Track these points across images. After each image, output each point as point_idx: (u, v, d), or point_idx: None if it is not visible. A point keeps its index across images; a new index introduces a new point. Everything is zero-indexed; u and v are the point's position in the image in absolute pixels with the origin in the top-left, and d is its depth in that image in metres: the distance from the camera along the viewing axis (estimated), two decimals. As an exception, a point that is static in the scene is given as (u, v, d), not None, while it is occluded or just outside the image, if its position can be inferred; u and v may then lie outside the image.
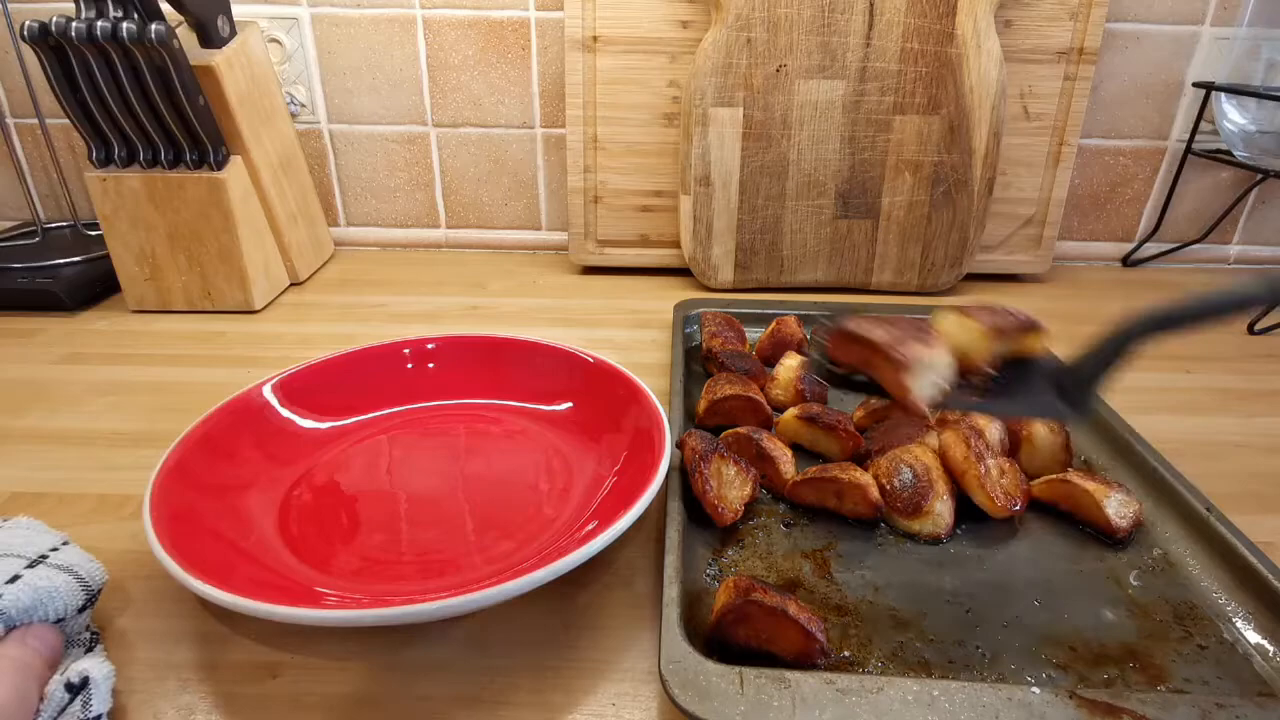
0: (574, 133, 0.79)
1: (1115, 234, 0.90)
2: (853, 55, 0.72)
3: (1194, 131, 0.83)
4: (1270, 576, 0.37)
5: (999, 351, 0.38)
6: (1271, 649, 0.35)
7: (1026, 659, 0.35)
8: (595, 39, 0.76)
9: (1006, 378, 0.39)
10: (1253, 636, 0.36)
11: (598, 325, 0.72)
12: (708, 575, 0.40)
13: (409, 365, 0.56)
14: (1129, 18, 0.80)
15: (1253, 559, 0.38)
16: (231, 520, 0.41)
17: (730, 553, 0.41)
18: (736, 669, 0.31)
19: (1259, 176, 0.79)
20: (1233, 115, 0.80)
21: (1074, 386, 0.36)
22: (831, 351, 0.40)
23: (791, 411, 0.51)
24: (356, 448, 0.49)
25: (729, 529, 0.43)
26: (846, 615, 0.38)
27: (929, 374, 0.36)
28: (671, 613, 0.34)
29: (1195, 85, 0.82)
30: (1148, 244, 0.89)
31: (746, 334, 0.65)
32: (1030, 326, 0.38)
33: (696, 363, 0.61)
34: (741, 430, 0.48)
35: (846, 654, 0.35)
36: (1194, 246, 0.89)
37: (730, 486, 0.43)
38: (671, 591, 0.35)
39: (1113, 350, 0.34)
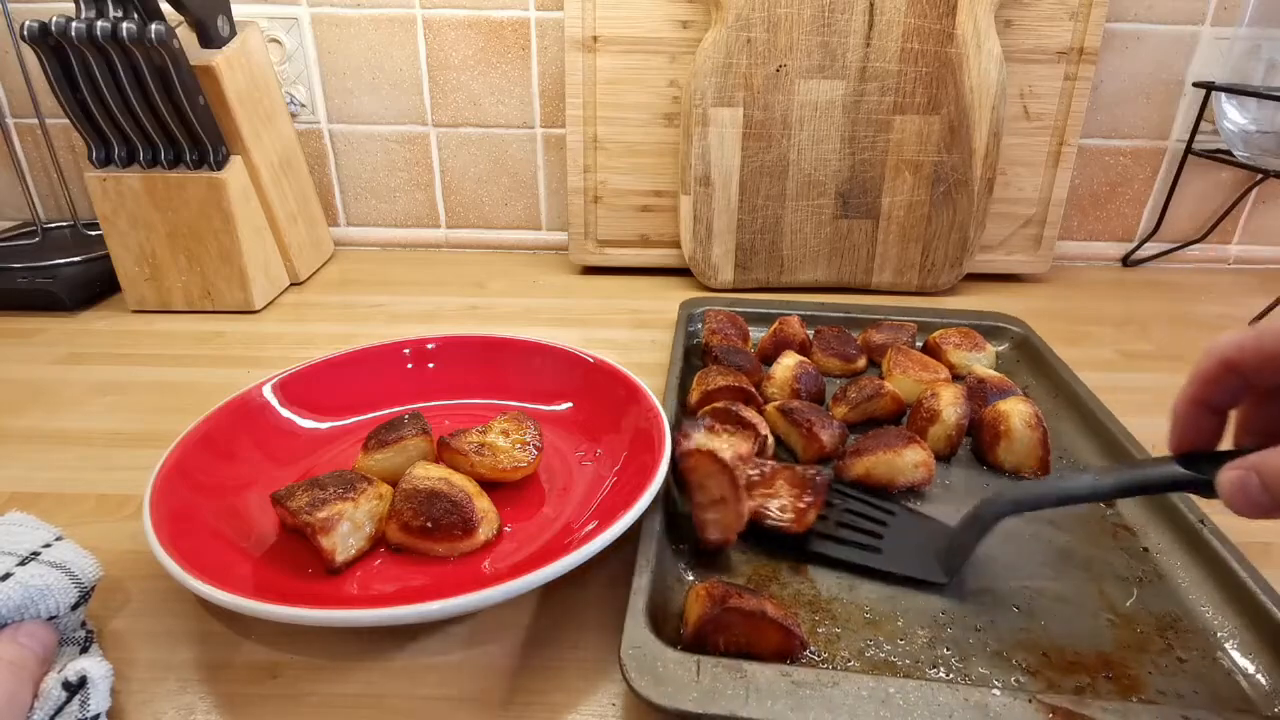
0: (574, 133, 0.79)
1: (1115, 234, 0.90)
2: (853, 55, 0.72)
3: (1194, 131, 0.83)
4: (1260, 593, 0.36)
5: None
6: (1252, 667, 0.35)
7: (996, 663, 0.35)
8: (595, 39, 0.76)
9: (900, 531, 0.43)
10: (1236, 654, 0.35)
11: (598, 325, 0.72)
12: (682, 567, 0.40)
13: (409, 365, 0.56)
14: (1129, 18, 0.80)
15: (1244, 575, 0.37)
16: (231, 520, 0.41)
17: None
18: (695, 657, 0.32)
19: (1259, 176, 0.79)
20: (1233, 115, 0.80)
21: (951, 556, 0.40)
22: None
23: (773, 404, 0.52)
24: (356, 448, 0.48)
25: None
26: (818, 612, 0.38)
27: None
28: (638, 600, 0.34)
29: (1195, 85, 0.82)
30: (1148, 244, 0.89)
31: (751, 333, 0.65)
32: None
33: (697, 358, 0.62)
34: (719, 405, 0.49)
35: (812, 650, 0.35)
36: (1194, 246, 0.89)
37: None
38: (641, 580, 0.36)
39: (983, 527, 0.39)
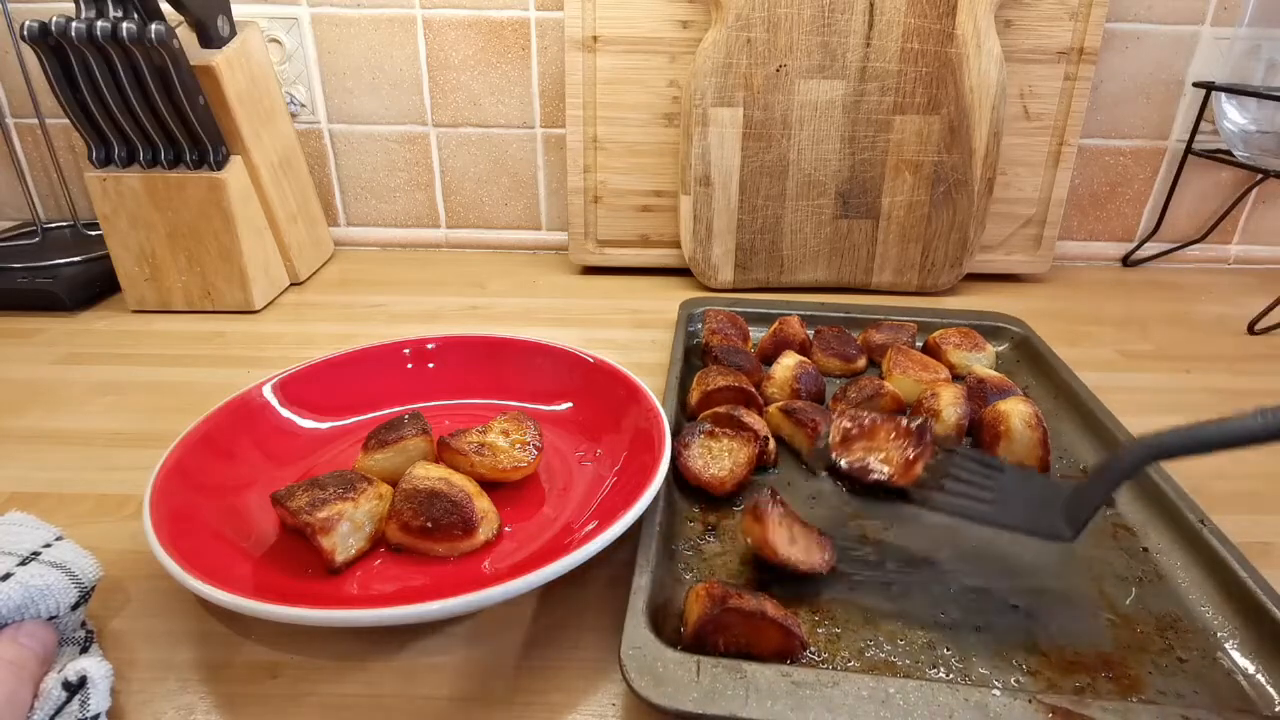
0: (574, 133, 0.79)
1: (1115, 234, 0.90)
2: (853, 55, 0.72)
3: (1194, 131, 0.83)
4: (1260, 593, 0.36)
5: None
6: (1252, 667, 0.34)
7: (997, 664, 0.35)
8: (595, 39, 0.76)
9: (1012, 486, 0.39)
10: (1236, 653, 0.35)
11: (598, 325, 0.72)
12: (682, 567, 0.40)
13: (409, 365, 0.56)
14: (1129, 18, 0.80)
15: (1244, 574, 0.37)
16: (231, 520, 0.41)
17: (710, 542, 0.42)
18: (695, 657, 0.32)
19: (1259, 176, 0.79)
20: (1233, 115, 0.80)
21: (1078, 510, 0.37)
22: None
23: (775, 404, 0.52)
24: (356, 448, 0.48)
25: (711, 519, 0.44)
26: (818, 612, 0.38)
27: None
28: (638, 600, 0.34)
29: (1195, 85, 0.82)
30: (1148, 244, 0.89)
31: (751, 333, 0.65)
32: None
33: (697, 358, 0.62)
34: (719, 410, 0.49)
35: (812, 650, 0.35)
36: (1194, 246, 0.89)
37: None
38: (641, 580, 0.36)
39: (1117, 479, 0.35)
